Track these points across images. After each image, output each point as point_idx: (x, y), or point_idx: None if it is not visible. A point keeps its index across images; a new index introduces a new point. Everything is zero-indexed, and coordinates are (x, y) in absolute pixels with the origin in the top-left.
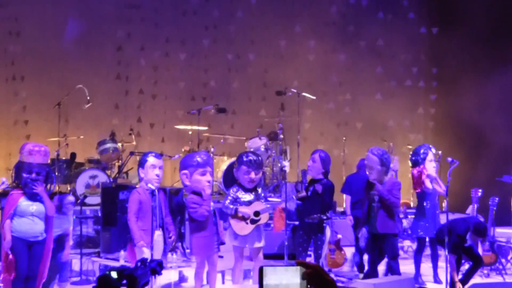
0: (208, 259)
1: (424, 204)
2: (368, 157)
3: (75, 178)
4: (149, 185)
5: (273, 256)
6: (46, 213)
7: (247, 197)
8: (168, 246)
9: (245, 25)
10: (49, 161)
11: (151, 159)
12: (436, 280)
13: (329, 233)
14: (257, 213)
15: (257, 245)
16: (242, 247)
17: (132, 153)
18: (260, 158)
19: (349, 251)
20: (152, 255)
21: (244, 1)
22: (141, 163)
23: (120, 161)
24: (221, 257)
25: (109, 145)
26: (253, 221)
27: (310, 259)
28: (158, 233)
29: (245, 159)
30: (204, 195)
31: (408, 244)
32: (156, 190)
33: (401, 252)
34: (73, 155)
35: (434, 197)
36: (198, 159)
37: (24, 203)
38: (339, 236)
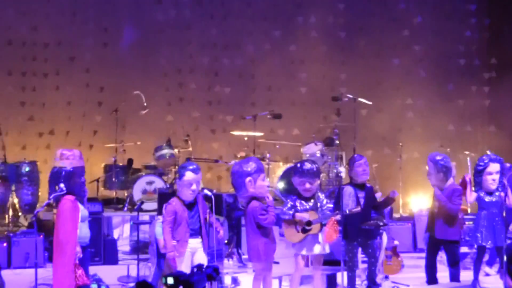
0: (268, 265)
1: (481, 212)
2: (428, 162)
3: (132, 184)
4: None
5: (330, 263)
6: None
7: (305, 205)
8: (217, 241)
9: (300, 28)
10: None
11: (188, 175)
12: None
13: (385, 239)
14: (309, 223)
15: (315, 252)
16: (299, 254)
17: (188, 159)
18: (316, 166)
19: (406, 258)
20: (192, 261)
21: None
22: (179, 175)
23: (176, 167)
24: (276, 263)
25: (165, 151)
26: (304, 230)
27: (365, 266)
28: (196, 241)
29: (300, 169)
30: (268, 201)
31: (465, 251)
32: (195, 199)
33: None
34: (130, 161)
35: (491, 205)
36: (256, 164)
37: (81, 208)
38: (396, 242)
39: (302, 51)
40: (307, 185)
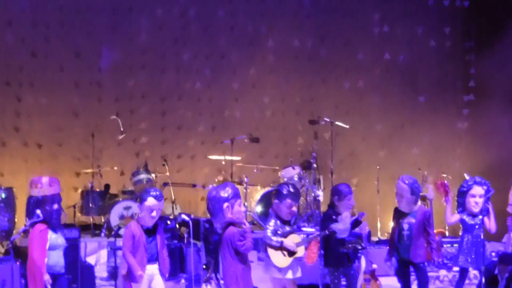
0: None
1: (464, 234)
2: (399, 185)
3: (109, 209)
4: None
5: (308, 287)
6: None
7: (285, 228)
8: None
9: (279, 55)
10: (49, 192)
11: (150, 201)
12: None
13: (364, 263)
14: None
15: (298, 275)
16: (282, 278)
17: (166, 184)
18: (297, 189)
19: (385, 281)
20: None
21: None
22: (141, 200)
23: None
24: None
25: (142, 175)
26: (290, 254)
27: None
28: (153, 267)
29: (287, 192)
30: (245, 227)
31: (444, 274)
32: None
33: (437, 282)
34: (107, 187)
35: (474, 228)
36: (233, 190)
37: (53, 236)
38: (375, 266)
39: (280, 75)
40: (294, 208)
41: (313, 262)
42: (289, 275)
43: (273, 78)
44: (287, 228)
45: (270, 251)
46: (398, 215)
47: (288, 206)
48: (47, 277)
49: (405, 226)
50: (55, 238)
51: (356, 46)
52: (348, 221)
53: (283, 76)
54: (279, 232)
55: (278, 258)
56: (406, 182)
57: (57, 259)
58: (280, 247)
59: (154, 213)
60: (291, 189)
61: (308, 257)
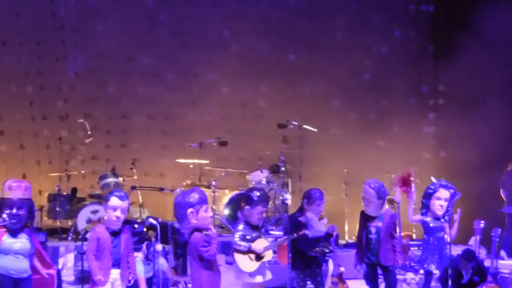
0: None
1: (427, 237)
2: (365, 189)
3: (76, 213)
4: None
5: None
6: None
7: (254, 234)
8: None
9: (247, 57)
10: (30, 196)
11: (113, 200)
12: None
13: (331, 266)
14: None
15: (267, 278)
16: (252, 283)
17: (133, 188)
18: (266, 193)
19: (352, 284)
20: None
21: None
22: (106, 200)
23: None
24: None
25: (110, 179)
26: (258, 258)
27: None
28: (116, 272)
29: (255, 198)
30: (211, 233)
31: (411, 277)
32: (120, 230)
33: (404, 285)
34: (74, 190)
35: (437, 230)
36: (199, 195)
37: (7, 241)
38: (342, 269)
39: (252, 78)
40: (263, 214)
41: (284, 263)
42: (259, 279)
43: (241, 82)
44: (255, 234)
45: (237, 256)
46: (365, 219)
47: (258, 212)
48: None
49: (373, 230)
50: (10, 243)
51: (322, 51)
52: (318, 222)
53: (251, 80)
54: (248, 237)
55: (246, 263)
56: (373, 186)
57: (13, 263)
58: (248, 252)
59: (118, 213)
60: (261, 195)
61: (282, 257)
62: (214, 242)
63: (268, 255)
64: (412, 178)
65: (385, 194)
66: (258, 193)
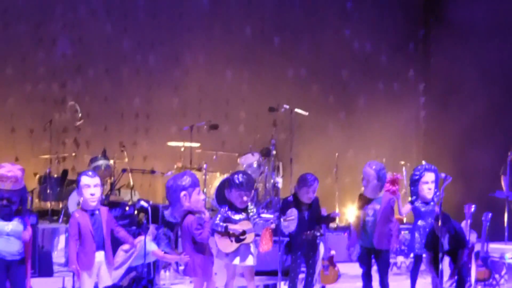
0: (208, 280)
1: (417, 221)
2: (365, 170)
3: (67, 196)
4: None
5: (267, 273)
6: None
7: (238, 216)
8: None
9: (241, 43)
10: (21, 186)
11: (83, 179)
12: None
13: (322, 249)
14: (243, 232)
15: (247, 263)
16: (231, 264)
17: (124, 170)
18: (251, 177)
19: (343, 267)
20: (98, 276)
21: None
22: (77, 184)
23: (112, 178)
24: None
25: (101, 162)
26: (238, 240)
27: (303, 276)
28: (100, 254)
29: (236, 181)
30: (204, 216)
31: (401, 260)
32: (97, 210)
33: (394, 268)
34: (64, 172)
35: (427, 214)
36: (191, 178)
37: (2, 223)
38: (333, 252)
39: (241, 60)
40: (245, 198)
41: (265, 250)
42: (236, 261)
43: (234, 65)
44: (240, 216)
45: (217, 236)
46: (363, 201)
47: (238, 196)
48: None
49: (370, 212)
50: (1, 226)
51: (313, 33)
52: (294, 216)
53: (244, 64)
54: (233, 217)
55: (224, 244)
56: (373, 167)
57: (4, 245)
58: (225, 232)
59: (91, 189)
60: (242, 179)
61: (260, 245)
62: (207, 226)
63: (249, 238)
64: (399, 180)
65: (385, 177)
66: (240, 177)
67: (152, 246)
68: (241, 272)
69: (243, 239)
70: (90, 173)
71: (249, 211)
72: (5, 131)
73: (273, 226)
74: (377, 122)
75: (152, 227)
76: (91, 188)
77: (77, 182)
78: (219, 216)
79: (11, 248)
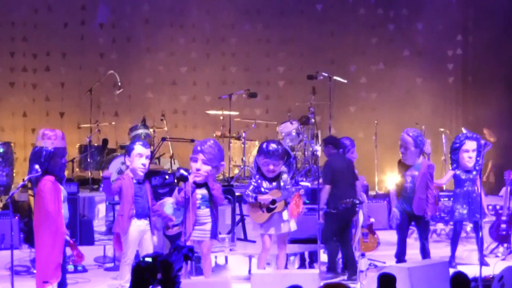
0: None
1: (458, 189)
2: (403, 137)
3: (107, 164)
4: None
5: (306, 241)
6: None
7: (268, 185)
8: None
9: (275, 10)
10: (64, 145)
11: (137, 148)
12: (483, 263)
13: (361, 217)
14: (273, 202)
15: (282, 231)
16: (266, 234)
17: (164, 139)
18: (281, 148)
19: (382, 235)
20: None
21: None
22: (128, 151)
23: (152, 147)
24: (253, 241)
25: (140, 131)
26: (269, 209)
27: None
28: (144, 223)
29: (265, 149)
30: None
31: (441, 227)
32: (145, 181)
33: (434, 235)
34: (105, 141)
35: (468, 182)
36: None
37: (62, 189)
38: (372, 219)
39: (276, 30)
40: (271, 167)
41: (294, 216)
42: (272, 231)
43: (268, 34)
44: (272, 185)
45: (249, 207)
46: (402, 167)
47: (264, 163)
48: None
49: (408, 179)
50: (63, 191)
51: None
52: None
53: (280, 32)
54: (262, 189)
55: (256, 215)
56: (411, 134)
57: (65, 211)
58: (256, 202)
59: (143, 159)
60: (272, 148)
61: (291, 211)
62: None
63: (280, 207)
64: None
65: (423, 144)
66: (270, 145)
67: (168, 210)
68: (276, 240)
69: (274, 208)
70: (143, 142)
71: (281, 180)
72: (44, 100)
73: (302, 191)
74: (415, 89)
75: (175, 191)
76: (143, 158)
77: (128, 149)
78: (250, 186)
79: (67, 213)
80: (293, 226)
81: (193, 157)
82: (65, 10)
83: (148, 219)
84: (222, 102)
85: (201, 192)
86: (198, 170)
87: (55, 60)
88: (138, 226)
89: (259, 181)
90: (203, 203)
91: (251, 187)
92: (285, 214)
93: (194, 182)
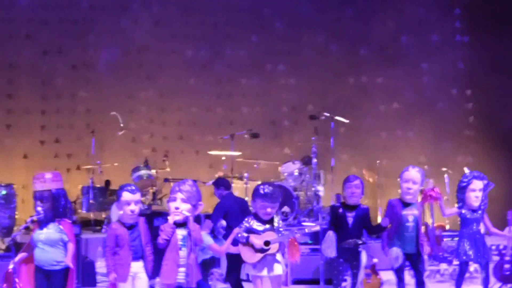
0: None
1: (464, 228)
2: (412, 173)
3: (109, 205)
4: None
5: (309, 282)
6: (63, 240)
7: (262, 227)
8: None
9: (277, 49)
10: (52, 187)
11: (125, 195)
12: None
13: (364, 258)
14: (267, 243)
15: (275, 273)
16: (258, 276)
17: (166, 180)
18: (276, 190)
19: (385, 275)
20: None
21: (273, 23)
22: (117, 197)
23: (154, 188)
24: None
25: (143, 171)
26: (262, 250)
27: (346, 284)
28: (138, 265)
29: (261, 192)
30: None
31: (444, 267)
32: (135, 223)
33: (437, 276)
34: (107, 182)
35: (474, 222)
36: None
37: (36, 232)
38: (375, 260)
39: (279, 70)
40: (269, 210)
41: (295, 259)
42: (264, 272)
43: (276, 75)
44: (264, 227)
45: (241, 247)
46: (402, 205)
47: (261, 207)
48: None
49: (410, 218)
50: (37, 234)
51: (364, 41)
52: (331, 240)
53: (287, 72)
54: (257, 228)
55: (248, 254)
56: (418, 171)
57: (39, 254)
58: (247, 243)
59: (132, 206)
60: (268, 190)
61: (290, 254)
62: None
63: (274, 249)
64: (436, 192)
65: (423, 182)
66: (266, 188)
67: (207, 239)
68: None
69: (267, 250)
70: (131, 187)
71: (274, 222)
72: (48, 141)
73: (298, 235)
74: (419, 129)
75: (207, 221)
76: (131, 205)
77: (117, 195)
78: (242, 226)
79: (47, 256)
80: (284, 267)
81: (171, 197)
82: (64, 52)
83: (141, 260)
84: (224, 142)
85: (181, 232)
86: (177, 208)
87: (55, 101)
88: (132, 269)
89: (251, 222)
90: (183, 244)
91: (242, 227)
92: (279, 255)
93: (174, 222)
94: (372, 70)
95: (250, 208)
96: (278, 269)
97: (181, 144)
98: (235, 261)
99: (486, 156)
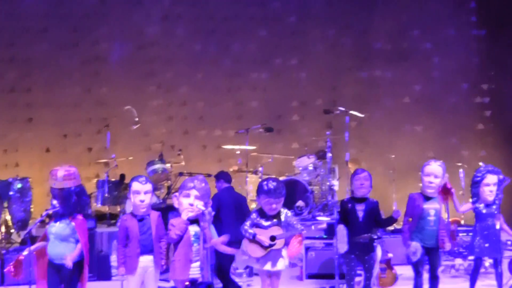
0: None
1: (478, 223)
2: (433, 167)
3: (124, 199)
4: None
5: (323, 276)
6: (74, 236)
7: (267, 222)
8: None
9: (286, 43)
10: (64, 186)
11: (134, 185)
12: None
13: (379, 252)
14: (273, 238)
15: (278, 268)
16: (262, 270)
17: (181, 174)
18: (280, 185)
19: (400, 270)
20: (143, 282)
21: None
22: (129, 189)
23: (169, 182)
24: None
25: (158, 165)
26: (268, 246)
27: (360, 279)
28: (147, 259)
29: (265, 188)
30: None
31: (459, 262)
32: (147, 216)
33: (452, 271)
34: (122, 176)
35: (488, 216)
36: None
37: (50, 224)
38: (390, 255)
39: (295, 63)
40: (274, 205)
41: (294, 255)
42: (268, 266)
43: (285, 69)
44: (270, 222)
45: (246, 242)
46: (423, 199)
47: (266, 203)
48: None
49: (431, 212)
50: (49, 227)
51: (375, 35)
52: (343, 234)
53: (300, 66)
54: (263, 223)
55: (252, 249)
56: (440, 165)
57: (51, 247)
58: (253, 240)
59: (141, 196)
60: (271, 186)
61: (290, 250)
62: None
63: (279, 244)
64: (450, 187)
65: (443, 176)
66: (270, 184)
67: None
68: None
69: (273, 245)
70: (142, 179)
71: (281, 217)
72: (63, 136)
73: (304, 232)
74: (433, 123)
75: (207, 212)
76: (140, 194)
77: (129, 186)
78: (248, 221)
79: (56, 251)
80: (287, 262)
81: (184, 193)
82: (79, 47)
83: (151, 254)
84: (239, 136)
85: (193, 229)
86: (191, 205)
87: (71, 95)
88: (141, 263)
89: (257, 218)
90: (196, 240)
91: (248, 222)
92: (283, 251)
93: (188, 219)
94: (384, 64)
95: (251, 207)
96: (281, 264)
97: (196, 138)
98: (223, 258)
99: (500, 151)
